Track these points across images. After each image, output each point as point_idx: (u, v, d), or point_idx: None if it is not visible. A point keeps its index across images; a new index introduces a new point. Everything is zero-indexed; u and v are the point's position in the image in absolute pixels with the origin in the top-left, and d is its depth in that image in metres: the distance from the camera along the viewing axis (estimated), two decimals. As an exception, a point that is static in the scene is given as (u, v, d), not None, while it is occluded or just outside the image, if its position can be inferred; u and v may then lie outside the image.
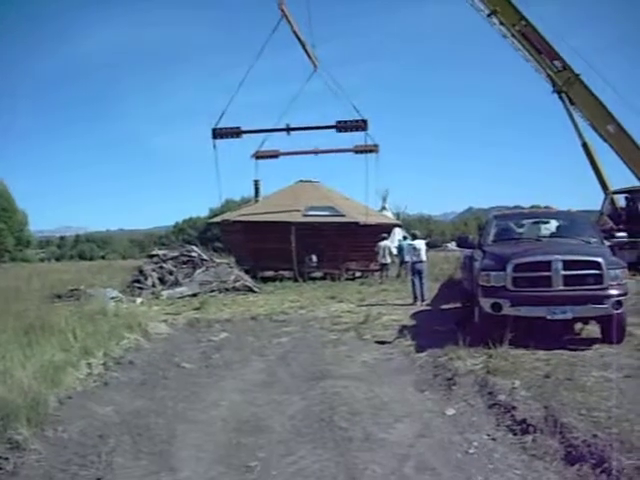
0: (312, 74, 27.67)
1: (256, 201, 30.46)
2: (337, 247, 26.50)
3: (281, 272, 27.64)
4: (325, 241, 26.33)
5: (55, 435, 6.23)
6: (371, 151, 27.38)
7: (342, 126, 26.77)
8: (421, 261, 17.36)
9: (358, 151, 27.49)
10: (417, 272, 17.24)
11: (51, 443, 6.03)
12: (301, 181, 31.41)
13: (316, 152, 29.18)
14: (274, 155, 28.69)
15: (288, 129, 27.34)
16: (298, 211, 27.15)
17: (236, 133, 27.35)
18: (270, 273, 27.73)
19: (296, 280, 25.43)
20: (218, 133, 27.00)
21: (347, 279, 26.86)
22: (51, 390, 7.13)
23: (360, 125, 26.55)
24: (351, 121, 26.63)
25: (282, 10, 25.97)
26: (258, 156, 28.39)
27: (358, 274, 28.73)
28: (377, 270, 26.90)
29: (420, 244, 17.75)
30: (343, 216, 27.30)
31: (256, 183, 30.45)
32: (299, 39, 27.19)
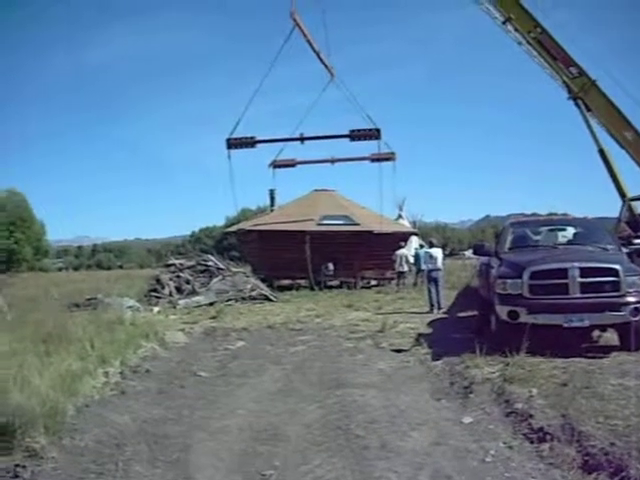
0: (329, 83, 27.74)
1: (271, 210, 30.62)
2: (352, 256, 26.57)
3: (297, 281, 27.69)
4: (340, 250, 26.41)
5: (72, 443, 6.26)
6: (388, 159, 27.36)
7: (355, 135, 26.70)
8: (437, 269, 17.35)
9: (375, 159, 27.48)
10: (433, 280, 17.25)
11: (68, 451, 6.05)
12: (316, 190, 31.49)
13: (333, 161, 29.23)
14: (291, 164, 28.74)
15: (302, 138, 27.35)
16: (312, 220, 27.21)
17: (250, 143, 27.32)
18: (286, 282, 27.80)
19: (312, 288, 25.46)
20: (232, 143, 27.04)
21: (363, 287, 26.86)
22: (68, 398, 7.16)
23: (373, 134, 26.47)
24: (364, 130, 26.55)
25: (294, 19, 26.08)
26: (276, 165, 28.49)
27: (374, 282, 28.74)
28: (392, 279, 26.95)
29: (437, 252, 17.73)
30: (358, 225, 27.35)
31: (271, 192, 30.59)
32: (313, 48, 27.27)
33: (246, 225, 30.41)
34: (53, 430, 6.23)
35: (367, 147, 27.35)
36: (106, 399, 8.07)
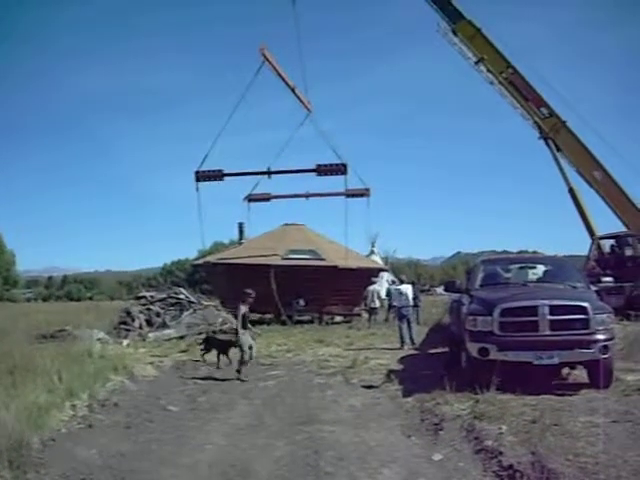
0: (306, 118, 27.98)
1: (240, 244, 30.67)
2: (317, 291, 26.52)
3: (263, 315, 27.62)
4: (305, 285, 26.31)
5: (37, 478, 6.14)
6: (362, 195, 27.50)
7: (322, 170, 26.59)
8: (407, 306, 17.37)
9: (349, 195, 27.55)
10: (404, 317, 17.23)
11: (33, 486, 5.94)
12: (286, 224, 31.57)
13: (307, 196, 29.39)
14: (266, 198, 28.88)
15: (269, 172, 27.49)
16: (277, 255, 27.23)
17: (218, 176, 27.33)
18: (254, 316, 27.69)
19: (284, 323, 25.35)
20: (201, 176, 27.07)
21: (334, 323, 26.81)
22: (34, 432, 7.05)
23: (340, 169, 26.36)
24: (331, 165, 26.55)
25: (263, 55, 26.30)
26: (250, 199, 28.60)
27: (338, 318, 28.67)
28: (359, 315, 27.04)
29: (406, 289, 17.77)
30: (323, 260, 27.31)
31: (240, 226, 30.89)
32: (287, 83, 27.47)
33: (212, 258, 30.40)
34: (18, 464, 6.12)
35: (342, 183, 27.27)
36: (73, 433, 7.95)
